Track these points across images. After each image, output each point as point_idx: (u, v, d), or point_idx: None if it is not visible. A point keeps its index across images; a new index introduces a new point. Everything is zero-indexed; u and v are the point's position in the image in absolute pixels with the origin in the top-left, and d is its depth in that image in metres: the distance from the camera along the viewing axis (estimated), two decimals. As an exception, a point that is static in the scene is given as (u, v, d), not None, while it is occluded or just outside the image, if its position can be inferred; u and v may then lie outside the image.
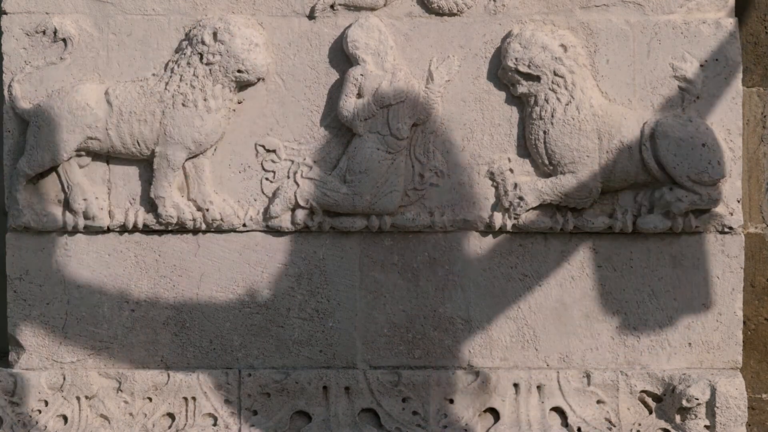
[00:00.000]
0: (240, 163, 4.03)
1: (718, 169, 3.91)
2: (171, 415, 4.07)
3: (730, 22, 3.94)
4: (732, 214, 3.97)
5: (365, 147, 3.95)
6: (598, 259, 4.03)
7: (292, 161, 4.01)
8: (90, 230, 4.03)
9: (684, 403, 3.95)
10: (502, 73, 3.95)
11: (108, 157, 4.02)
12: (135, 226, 4.02)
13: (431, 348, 4.07)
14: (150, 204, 4.01)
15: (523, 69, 3.90)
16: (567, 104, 3.90)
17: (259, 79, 3.97)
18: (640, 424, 4.02)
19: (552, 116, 3.91)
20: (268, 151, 4.02)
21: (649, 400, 4.04)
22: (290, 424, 4.06)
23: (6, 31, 3.98)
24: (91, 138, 3.96)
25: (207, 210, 4.00)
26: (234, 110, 3.99)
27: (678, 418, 3.99)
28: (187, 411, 4.06)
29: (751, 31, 4.27)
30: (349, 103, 3.93)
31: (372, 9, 3.97)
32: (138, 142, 3.97)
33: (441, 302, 4.05)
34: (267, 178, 4.02)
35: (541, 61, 3.89)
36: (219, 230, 4.03)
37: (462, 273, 4.04)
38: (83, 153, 4.01)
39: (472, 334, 4.06)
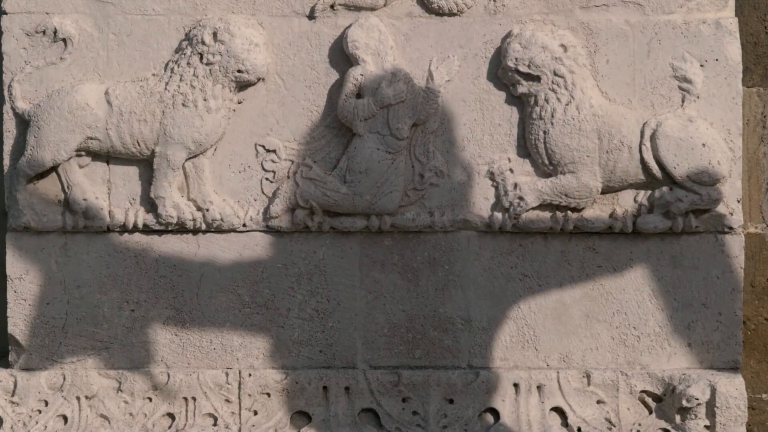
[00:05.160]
0: (240, 163, 4.03)
1: (718, 169, 3.91)
2: (171, 415, 4.07)
3: (730, 22, 3.94)
4: (732, 214, 3.96)
5: (365, 147, 3.95)
6: (598, 259, 4.03)
7: (292, 161, 4.01)
8: (90, 230, 4.03)
9: (684, 403, 3.95)
10: (502, 73, 3.95)
11: (108, 157, 4.02)
12: (135, 226, 4.02)
13: (431, 348, 4.07)
14: (150, 204, 4.01)
15: (523, 69, 3.90)
16: (567, 104, 3.91)
17: (259, 79, 3.97)
18: (640, 424, 4.02)
19: (552, 116, 3.91)
20: (268, 151, 4.02)
21: (649, 400, 4.04)
22: (290, 424, 4.06)
23: (6, 31, 3.98)
24: (91, 138, 3.97)
25: (207, 210, 4.00)
26: (234, 110, 3.99)
27: (678, 418, 3.99)
28: (187, 411, 4.06)
29: (751, 31, 4.27)
30: (349, 103, 3.93)
31: (372, 9, 3.97)
32: (138, 142, 3.97)
33: (441, 302, 4.05)
34: (267, 178, 4.02)
35: (541, 61, 3.89)
36: (219, 230, 4.03)
37: (462, 273, 4.04)
38: (83, 153, 4.01)
39: (472, 334, 4.06)
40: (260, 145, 4.02)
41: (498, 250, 4.04)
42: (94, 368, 4.07)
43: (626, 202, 3.99)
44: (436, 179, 4.00)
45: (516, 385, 4.03)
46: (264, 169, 4.02)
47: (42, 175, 4.02)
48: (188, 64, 3.94)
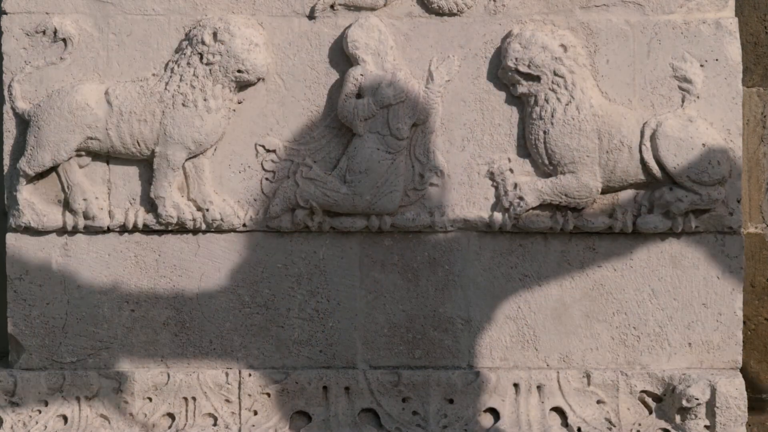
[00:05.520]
0: (240, 163, 4.03)
1: (718, 169, 3.91)
2: (171, 415, 4.07)
3: (730, 22, 3.94)
4: (732, 214, 3.96)
5: (365, 147, 3.95)
6: (598, 259, 4.03)
7: (292, 161, 4.01)
8: (90, 230, 4.03)
9: (684, 403, 3.95)
10: (502, 73, 3.95)
11: (108, 157, 4.02)
12: (135, 226, 4.02)
13: (431, 348, 4.07)
14: (150, 204, 4.01)
15: (523, 69, 3.90)
16: (567, 104, 3.91)
17: (259, 79, 3.97)
18: (640, 424, 4.02)
19: (552, 116, 3.91)
20: (268, 151, 4.02)
21: (649, 400, 4.04)
22: (290, 424, 4.07)
23: (6, 31, 3.98)
24: (91, 138, 3.97)
25: (207, 210, 4.00)
26: (234, 110, 3.99)
27: (678, 418, 3.99)
28: (187, 411, 4.06)
29: (751, 31, 4.27)
30: (349, 103, 3.93)
31: (372, 9, 3.97)
32: (138, 142, 3.97)
33: (441, 302, 4.05)
34: (267, 178, 4.02)
35: (541, 61, 3.89)
36: (219, 230, 4.03)
37: (462, 273, 4.04)
38: (83, 153, 4.01)
39: (472, 334, 4.06)
40: (260, 145, 4.02)
41: (498, 250, 4.04)
42: (94, 368, 4.07)
43: (626, 202, 3.99)
44: (436, 179, 4.00)
45: (516, 385, 4.03)
46: (264, 169, 4.02)
47: (42, 175, 4.02)
48: (188, 64, 3.94)
